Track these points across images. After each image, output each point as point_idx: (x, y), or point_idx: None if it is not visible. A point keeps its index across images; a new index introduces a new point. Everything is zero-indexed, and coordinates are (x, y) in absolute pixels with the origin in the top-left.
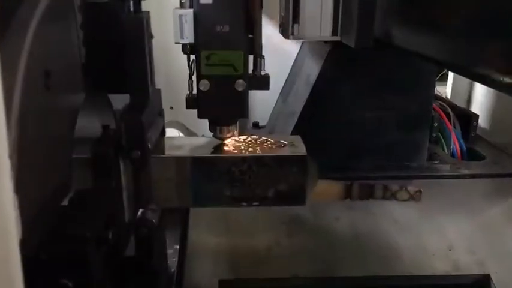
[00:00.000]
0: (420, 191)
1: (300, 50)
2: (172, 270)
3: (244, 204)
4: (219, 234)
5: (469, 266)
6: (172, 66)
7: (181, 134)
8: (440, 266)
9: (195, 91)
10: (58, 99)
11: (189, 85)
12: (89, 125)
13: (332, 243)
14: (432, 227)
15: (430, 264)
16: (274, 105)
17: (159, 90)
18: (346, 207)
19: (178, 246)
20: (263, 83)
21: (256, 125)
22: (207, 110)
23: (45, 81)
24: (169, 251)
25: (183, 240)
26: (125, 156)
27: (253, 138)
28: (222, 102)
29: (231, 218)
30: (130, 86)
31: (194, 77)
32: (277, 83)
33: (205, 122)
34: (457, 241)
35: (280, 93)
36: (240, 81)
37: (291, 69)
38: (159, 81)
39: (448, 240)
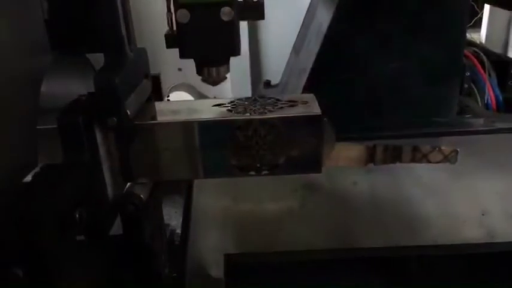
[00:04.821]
0: (456, 151)
1: None
2: (174, 245)
3: (252, 173)
4: (225, 202)
5: (505, 232)
6: None
7: (190, 97)
8: (472, 234)
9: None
10: (11, 62)
11: (167, 19)
12: (63, 89)
13: (349, 210)
14: (463, 189)
15: (460, 232)
16: (287, 61)
17: (143, 50)
18: (365, 170)
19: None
20: (256, 11)
21: (268, 83)
22: (189, 47)
23: None
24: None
25: (187, 209)
26: (100, 124)
27: (260, 98)
28: (206, 36)
29: (239, 184)
30: (101, 43)
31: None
32: (291, 36)
33: None
34: (492, 205)
35: (293, 47)
36: (227, 8)
37: (304, 19)
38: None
39: (481, 204)
